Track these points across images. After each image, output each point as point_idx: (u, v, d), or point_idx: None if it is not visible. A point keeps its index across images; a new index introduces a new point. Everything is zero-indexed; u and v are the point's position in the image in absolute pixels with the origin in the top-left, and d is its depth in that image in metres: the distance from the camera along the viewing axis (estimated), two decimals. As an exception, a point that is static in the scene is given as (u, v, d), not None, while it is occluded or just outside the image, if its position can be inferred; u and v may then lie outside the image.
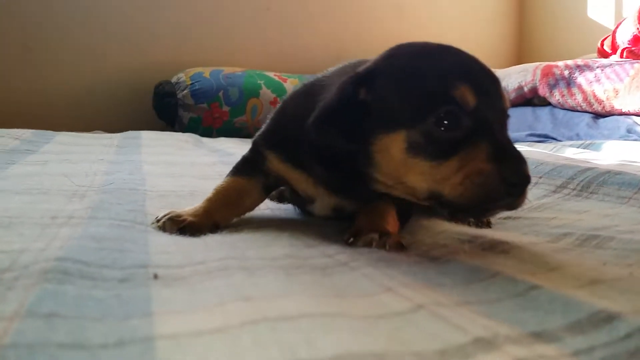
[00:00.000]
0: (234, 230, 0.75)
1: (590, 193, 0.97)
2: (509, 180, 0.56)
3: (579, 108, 2.08)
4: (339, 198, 0.76)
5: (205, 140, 2.06)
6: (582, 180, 1.00)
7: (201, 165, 1.38)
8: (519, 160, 0.58)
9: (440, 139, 0.58)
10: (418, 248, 0.66)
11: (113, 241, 0.63)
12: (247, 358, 0.33)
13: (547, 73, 2.18)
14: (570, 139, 2.02)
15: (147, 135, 1.87)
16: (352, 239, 0.67)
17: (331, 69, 0.80)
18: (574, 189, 1.00)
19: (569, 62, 2.16)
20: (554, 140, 2.04)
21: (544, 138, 2.08)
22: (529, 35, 3.30)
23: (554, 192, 1.02)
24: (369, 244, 0.65)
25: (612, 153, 1.63)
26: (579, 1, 2.93)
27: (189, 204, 0.88)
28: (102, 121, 2.40)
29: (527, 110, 2.26)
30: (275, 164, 0.77)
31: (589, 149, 1.74)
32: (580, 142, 1.86)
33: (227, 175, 0.82)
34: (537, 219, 0.86)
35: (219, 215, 0.76)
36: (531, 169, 1.07)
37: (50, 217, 0.73)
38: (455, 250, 0.63)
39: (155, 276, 0.50)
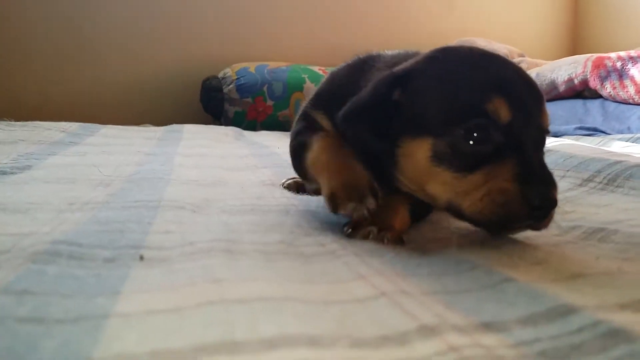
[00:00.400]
0: (243, 213, 0.77)
1: (616, 187, 0.93)
2: (532, 203, 0.54)
3: (631, 101, 1.99)
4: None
5: (247, 133, 2.09)
6: (609, 174, 0.96)
7: (233, 157, 1.41)
8: (547, 182, 0.56)
9: (467, 152, 0.57)
10: (416, 241, 0.65)
11: (118, 223, 0.67)
12: (186, 336, 0.35)
13: (598, 65, 2.10)
14: (621, 132, 1.94)
15: (189, 129, 1.93)
16: (350, 230, 0.66)
17: (389, 52, 0.80)
18: (600, 182, 0.96)
19: (622, 53, 2.07)
20: (604, 134, 1.96)
21: (594, 131, 2.00)
22: (583, 27, 3.17)
23: (580, 185, 0.99)
24: (366, 237, 0.63)
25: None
26: (637, -10, 2.80)
27: (207, 192, 0.92)
28: (151, 115, 2.48)
29: (578, 103, 2.18)
30: (325, 124, 0.77)
31: (638, 143, 1.66)
32: (629, 135, 1.78)
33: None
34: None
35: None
36: (559, 162, 1.06)
37: (68, 204, 0.77)
38: (447, 243, 0.62)
39: (141, 257, 0.53)
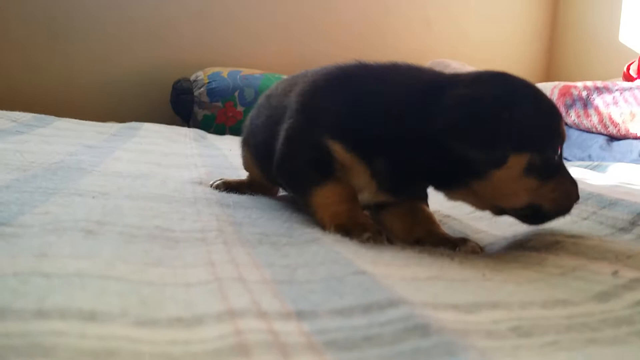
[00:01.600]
0: (146, 199, 0.75)
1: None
2: (577, 199, 0.71)
3: (594, 130, 2.00)
4: (386, 194, 0.76)
5: (210, 136, 2.07)
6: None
7: (178, 155, 1.39)
8: (576, 184, 0.71)
9: (552, 164, 0.68)
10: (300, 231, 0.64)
11: (1, 205, 0.64)
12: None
13: (564, 93, 2.10)
14: (582, 159, 1.94)
15: (148, 127, 1.91)
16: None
17: (376, 63, 0.81)
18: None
19: (588, 83, 2.08)
20: (565, 160, 1.96)
21: (555, 158, 2.00)
22: (558, 57, 3.20)
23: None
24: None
25: (615, 175, 1.56)
26: (611, 25, 2.83)
27: (123, 183, 0.90)
28: (120, 114, 2.45)
29: (543, 129, 2.18)
30: (341, 154, 0.73)
31: (595, 170, 1.66)
32: (588, 163, 1.79)
33: (309, 191, 0.74)
34: (465, 223, 0.83)
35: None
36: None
37: (-35, 184, 0.75)
38: (323, 236, 0.61)
39: (-7, 234, 0.51)
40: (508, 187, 0.67)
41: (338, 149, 0.73)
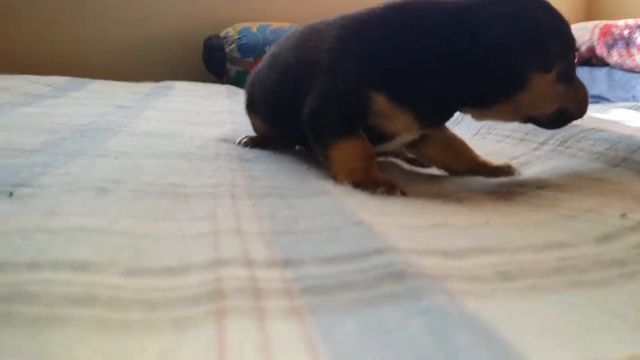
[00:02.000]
0: (168, 158, 0.77)
1: (566, 148, 0.89)
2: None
3: (637, 69, 1.91)
4: (426, 129, 0.79)
5: (243, 92, 2.07)
6: (562, 136, 0.92)
7: (208, 113, 1.41)
8: None
9: (572, 70, 0.74)
10: (311, 183, 0.65)
11: (23, 167, 0.67)
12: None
13: (605, 32, 2.01)
14: (626, 100, 1.87)
15: (181, 85, 1.92)
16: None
17: (389, 3, 0.77)
18: (553, 144, 0.93)
19: (630, 21, 1.98)
20: (607, 102, 1.89)
21: (597, 99, 1.93)
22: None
23: (535, 149, 0.95)
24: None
25: (660, 116, 1.49)
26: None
27: (149, 142, 0.92)
28: (154, 73, 2.48)
29: (584, 70, 2.10)
30: (382, 105, 0.72)
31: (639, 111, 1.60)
32: (632, 103, 1.71)
33: (332, 142, 0.74)
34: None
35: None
36: (520, 126, 1.02)
37: (-4, 147, 0.78)
38: (333, 188, 0.61)
39: (11, 194, 0.53)
40: (545, 95, 0.71)
41: (381, 101, 0.72)
